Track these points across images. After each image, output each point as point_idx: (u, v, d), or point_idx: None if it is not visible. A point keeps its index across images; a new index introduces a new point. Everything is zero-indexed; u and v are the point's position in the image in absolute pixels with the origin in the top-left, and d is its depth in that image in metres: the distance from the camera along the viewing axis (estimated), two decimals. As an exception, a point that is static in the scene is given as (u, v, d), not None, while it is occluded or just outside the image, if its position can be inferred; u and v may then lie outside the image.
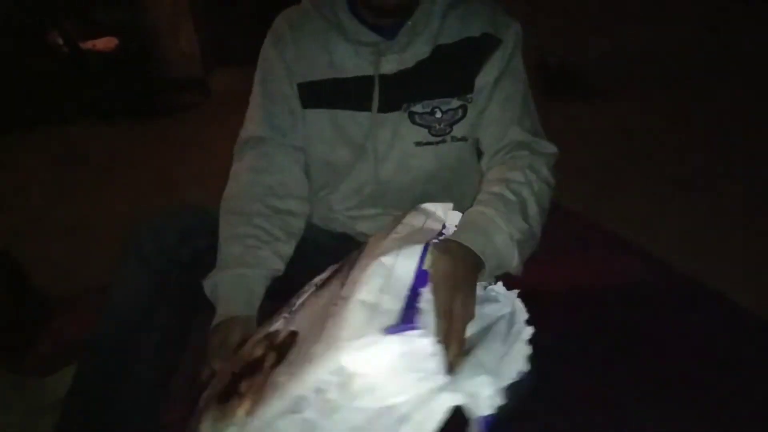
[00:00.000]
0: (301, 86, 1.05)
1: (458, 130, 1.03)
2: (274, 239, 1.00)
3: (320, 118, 1.05)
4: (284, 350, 0.73)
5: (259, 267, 0.97)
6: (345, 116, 1.04)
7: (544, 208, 0.95)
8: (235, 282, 0.95)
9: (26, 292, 1.55)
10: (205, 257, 0.98)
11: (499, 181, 0.95)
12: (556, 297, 0.94)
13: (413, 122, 1.03)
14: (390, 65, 1.01)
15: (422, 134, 1.03)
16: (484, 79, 1.01)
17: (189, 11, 3.86)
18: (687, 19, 3.55)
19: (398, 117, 1.02)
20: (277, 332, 0.78)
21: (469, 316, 0.75)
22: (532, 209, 0.93)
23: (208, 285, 0.95)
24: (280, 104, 1.06)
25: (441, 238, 0.82)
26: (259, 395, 0.69)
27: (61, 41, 3.47)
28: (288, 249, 1.02)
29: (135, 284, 0.94)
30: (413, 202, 1.03)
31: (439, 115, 1.02)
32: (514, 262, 0.87)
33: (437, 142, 1.04)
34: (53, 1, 3.53)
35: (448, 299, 0.73)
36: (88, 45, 3.52)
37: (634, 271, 1.69)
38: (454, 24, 1.01)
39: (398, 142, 1.04)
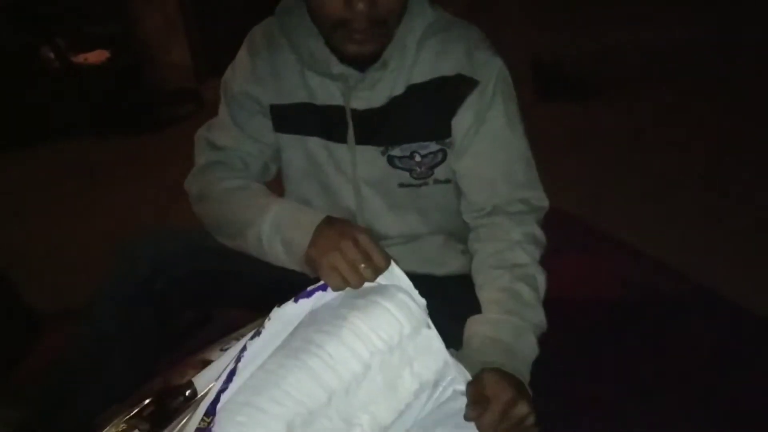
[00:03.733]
0: (273, 108, 1.00)
1: (440, 173, 0.98)
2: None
3: (293, 144, 1.01)
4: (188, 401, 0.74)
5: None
6: (318, 145, 0.99)
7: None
8: (290, 206, 0.91)
9: (16, 308, 1.53)
10: (186, 285, 0.95)
11: (503, 269, 0.91)
12: (554, 302, 0.92)
13: (394, 166, 0.98)
14: (360, 101, 0.95)
15: (404, 177, 0.98)
16: (460, 123, 0.95)
17: (180, 22, 3.85)
18: (685, 17, 3.55)
19: (376, 156, 0.97)
20: (208, 363, 0.78)
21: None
22: (542, 284, 0.92)
23: (267, 234, 0.88)
24: (247, 108, 1.01)
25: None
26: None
27: (52, 56, 3.45)
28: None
29: (103, 315, 0.93)
30: (405, 243, 1.03)
31: (418, 159, 0.97)
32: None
33: (419, 185, 0.99)
34: (44, 16, 3.52)
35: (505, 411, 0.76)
36: (80, 59, 3.50)
37: (633, 273, 1.66)
38: (427, 60, 0.94)
39: (380, 180, 0.99)
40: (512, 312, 0.87)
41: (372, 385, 0.73)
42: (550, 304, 0.92)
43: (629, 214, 1.98)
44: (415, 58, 0.94)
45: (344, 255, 0.77)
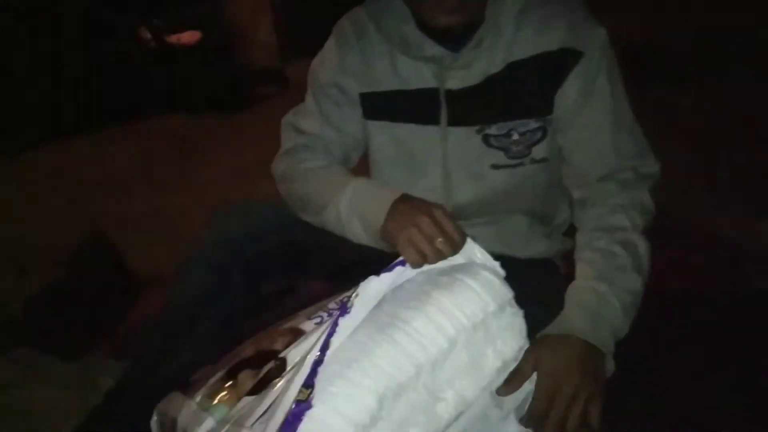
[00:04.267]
0: (363, 96, 1.01)
1: (538, 152, 0.97)
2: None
3: (381, 131, 1.02)
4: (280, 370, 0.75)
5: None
6: (409, 130, 1.00)
7: (648, 235, 0.92)
8: (367, 183, 0.94)
9: (118, 272, 1.65)
10: (274, 255, 0.98)
11: (602, 231, 0.90)
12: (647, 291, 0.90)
13: (489, 145, 0.97)
14: (455, 81, 0.95)
15: (498, 157, 0.97)
16: (565, 98, 0.94)
17: (268, 4, 3.96)
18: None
19: (470, 136, 0.97)
20: (301, 332, 0.79)
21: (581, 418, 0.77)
22: (643, 251, 0.90)
23: (345, 210, 0.91)
24: (333, 99, 1.03)
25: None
26: (241, 392, 0.74)
27: (149, 36, 3.63)
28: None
29: (197, 277, 0.98)
30: (490, 224, 1.02)
31: (516, 137, 0.96)
32: (623, 333, 0.85)
33: (515, 165, 0.97)
34: (141, -1, 3.71)
35: (561, 410, 0.77)
36: (173, 39, 3.68)
37: (731, 270, 1.59)
38: (528, 37, 0.93)
39: (472, 162, 0.98)
40: (603, 277, 0.86)
41: (457, 361, 0.75)
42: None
43: (721, 204, 1.89)
44: (514, 36, 0.93)
45: (421, 230, 0.79)
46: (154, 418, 0.81)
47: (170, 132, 3.28)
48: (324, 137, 1.04)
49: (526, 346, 0.81)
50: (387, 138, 1.02)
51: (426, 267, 0.81)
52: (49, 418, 1.08)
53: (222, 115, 3.43)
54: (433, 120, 0.98)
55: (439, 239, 0.79)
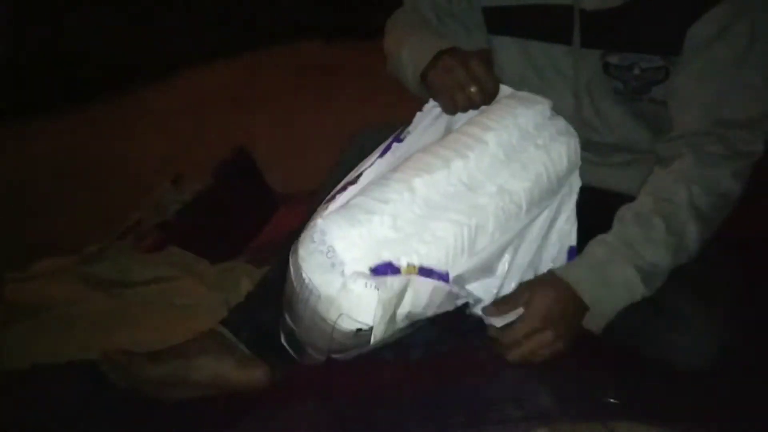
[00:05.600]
0: (487, 10, 0.98)
1: (657, 92, 0.90)
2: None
3: (508, 47, 0.99)
4: None
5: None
6: (538, 48, 0.96)
7: (715, 220, 0.83)
8: (428, 33, 0.99)
9: (258, 186, 1.76)
10: None
11: (653, 197, 0.83)
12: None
13: (607, 73, 0.92)
14: (591, 1, 0.88)
15: (616, 86, 0.92)
16: (697, 35, 0.84)
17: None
18: None
19: (597, 59, 0.92)
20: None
21: (546, 356, 0.82)
22: (692, 235, 0.82)
23: (405, 55, 0.97)
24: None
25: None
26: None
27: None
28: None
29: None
30: (610, 154, 0.99)
31: (637, 71, 0.89)
32: (638, 296, 0.81)
33: (632, 100, 0.92)
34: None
35: (530, 348, 0.81)
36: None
37: None
38: None
39: (597, 88, 0.94)
40: (629, 243, 0.82)
41: (494, 160, 0.83)
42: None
43: None
44: None
45: (454, 77, 0.86)
46: (282, 320, 0.88)
47: (308, 57, 3.37)
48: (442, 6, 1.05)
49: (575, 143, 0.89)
50: (516, 55, 0.99)
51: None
52: (197, 310, 1.19)
53: (355, 42, 3.46)
54: (566, 40, 0.94)
55: (472, 88, 0.84)
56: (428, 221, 0.78)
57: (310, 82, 3.04)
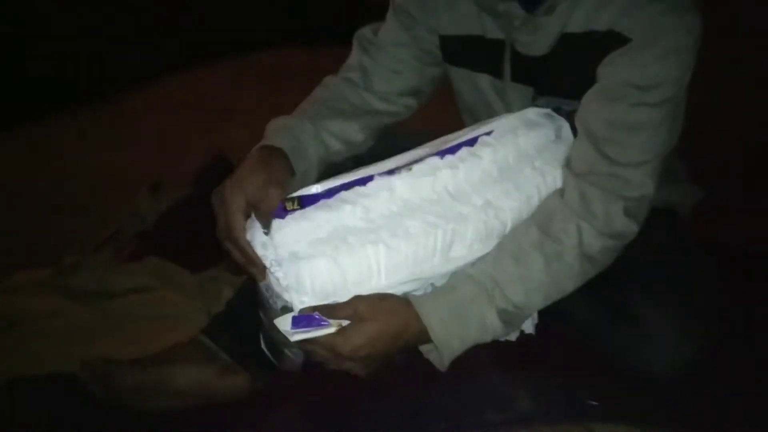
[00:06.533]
0: (443, 39, 0.99)
1: None
2: (351, 119, 0.97)
3: (462, 77, 1.01)
4: None
5: (324, 130, 0.94)
6: (480, 78, 0.98)
7: (604, 263, 0.83)
8: (295, 125, 0.94)
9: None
10: None
11: (542, 231, 0.82)
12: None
13: None
14: (521, 46, 0.91)
15: None
16: (600, 74, 0.85)
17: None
18: None
19: (528, 95, 0.94)
20: None
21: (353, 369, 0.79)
22: (573, 276, 0.81)
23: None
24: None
25: None
26: None
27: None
28: (359, 136, 0.98)
29: None
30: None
31: (563, 114, 0.92)
32: (493, 337, 0.81)
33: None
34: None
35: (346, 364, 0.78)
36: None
37: None
38: (586, 8, 0.83)
39: None
40: (499, 282, 0.80)
41: (486, 176, 0.83)
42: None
43: None
44: (573, 6, 0.84)
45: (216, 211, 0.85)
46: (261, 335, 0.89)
47: (289, 63, 3.36)
48: (394, 53, 1.02)
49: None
50: (468, 85, 1.01)
51: None
52: (177, 321, 1.19)
53: (340, 48, 3.46)
54: (498, 73, 0.95)
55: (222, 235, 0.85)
56: (403, 219, 0.78)
57: (293, 88, 3.02)
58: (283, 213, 0.77)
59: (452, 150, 0.84)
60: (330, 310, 0.77)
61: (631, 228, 0.83)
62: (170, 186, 1.70)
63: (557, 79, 0.91)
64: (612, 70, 0.83)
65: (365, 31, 1.07)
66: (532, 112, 0.91)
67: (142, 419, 0.94)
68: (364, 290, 0.77)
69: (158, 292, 1.26)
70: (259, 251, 0.78)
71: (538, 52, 0.90)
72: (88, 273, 1.33)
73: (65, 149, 2.61)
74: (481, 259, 0.82)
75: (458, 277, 0.82)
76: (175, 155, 2.35)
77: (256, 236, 0.79)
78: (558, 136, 0.91)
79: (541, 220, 0.84)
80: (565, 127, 0.91)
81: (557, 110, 0.93)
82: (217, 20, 3.54)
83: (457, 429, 0.80)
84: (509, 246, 0.82)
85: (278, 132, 0.91)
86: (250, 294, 1.02)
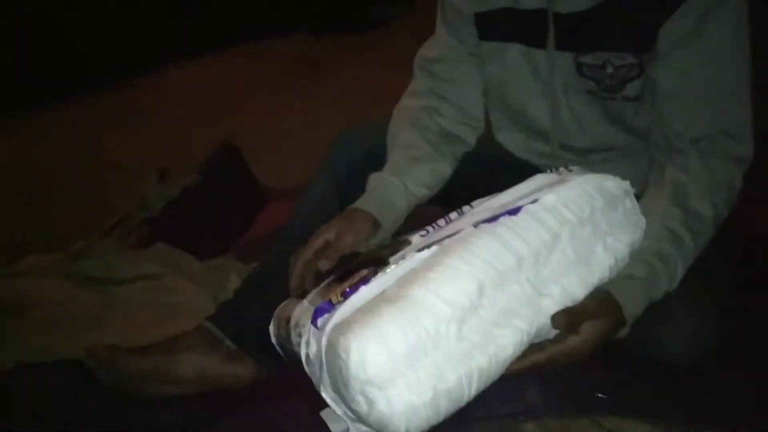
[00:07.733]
0: (477, 16, 0.98)
1: (631, 90, 0.90)
2: (440, 156, 1.01)
3: (493, 53, 1.00)
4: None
5: (412, 182, 0.97)
6: (515, 51, 0.97)
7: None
8: (385, 185, 0.96)
9: (246, 182, 1.75)
10: None
11: (681, 209, 0.83)
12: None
13: (581, 74, 0.92)
14: (563, 5, 0.89)
15: (590, 87, 0.93)
16: (673, 31, 0.84)
17: None
18: None
19: (571, 61, 0.93)
20: (408, 242, 0.82)
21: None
22: (707, 242, 0.84)
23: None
24: (457, 24, 1.02)
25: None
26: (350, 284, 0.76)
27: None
28: (448, 171, 1.03)
29: (319, 191, 1.05)
30: (587, 154, 0.99)
31: (610, 70, 0.90)
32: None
33: (605, 98, 0.93)
34: None
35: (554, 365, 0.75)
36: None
37: None
38: None
39: (570, 88, 0.95)
40: (663, 256, 0.82)
41: (563, 257, 0.76)
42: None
43: None
44: None
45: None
46: (272, 322, 0.88)
47: (297, 52, 3.35)
48: (454, 67, 1.04)
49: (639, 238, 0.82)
50: (497, 61, 1.00)
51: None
52: (184, 308, 1.19)
53: (347, 36, 3.44)
54: (541, 44, 0.95)
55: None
56: (493, 328, 0.70)
57: (298, 76, 3.02)
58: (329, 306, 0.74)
59: (514, 212, 0.77)
60: (580, 317, 0.76)
61: (736, 196, 0.87)
62: (178, 173, 1.69)
63: (607, 32, 0.89)
64: (688, 27, 0.83)
65: (422, 53, 1.08)
66: (612, 183, 0.82)
67: (147, 405, 0.94)
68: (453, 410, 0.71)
69: (165, 279, 1.25)
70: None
71: (582, 6, 0.89)
72: (95, 259, 1.32)
73: (75, 134, 2.62)
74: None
75: (635, 259, 0.82)
76: (183, 142, 2.35)
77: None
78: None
79: (678, 198, 0.85)
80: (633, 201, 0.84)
81: (603, 66, 0.91)
82: (221, 9, 3.54)
83: (463, 421, 0.79)
84: (659, 231, 0.83)
85: (366, 196, 0.96)
86: (258, 283, 1.02)
